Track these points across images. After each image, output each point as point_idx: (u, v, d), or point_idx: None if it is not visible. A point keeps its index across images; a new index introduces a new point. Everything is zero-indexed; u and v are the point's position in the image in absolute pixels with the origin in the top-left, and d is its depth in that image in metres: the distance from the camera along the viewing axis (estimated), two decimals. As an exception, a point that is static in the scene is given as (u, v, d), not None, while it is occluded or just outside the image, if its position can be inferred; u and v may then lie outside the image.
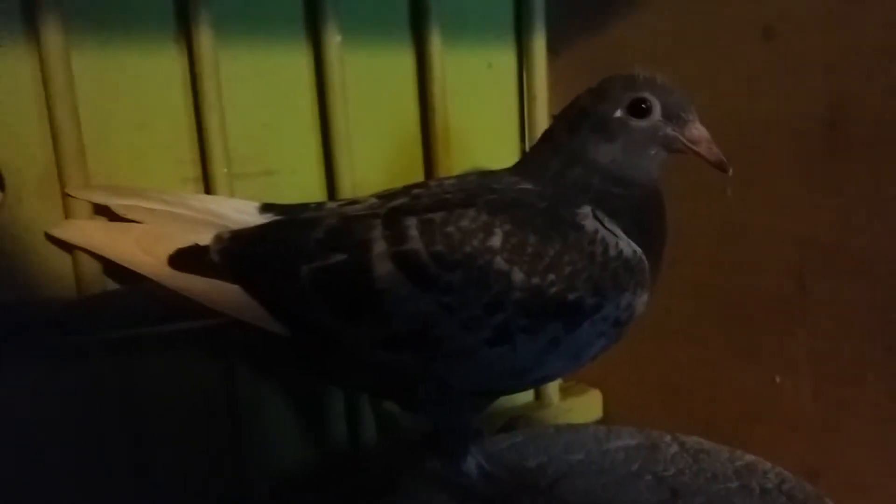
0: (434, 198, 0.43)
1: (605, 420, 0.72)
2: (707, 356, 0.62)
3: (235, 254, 0.42)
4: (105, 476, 0.51)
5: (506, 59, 0.68)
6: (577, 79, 0.66)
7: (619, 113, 0.43)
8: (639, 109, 0.43)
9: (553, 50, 0.68)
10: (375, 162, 0.61)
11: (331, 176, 0.58)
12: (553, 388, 0.72)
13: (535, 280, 0.40)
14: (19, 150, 0.47)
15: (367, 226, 0.41)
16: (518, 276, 0.40)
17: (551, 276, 0.40)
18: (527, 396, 0.72)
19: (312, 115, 0.57)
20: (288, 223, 0.45)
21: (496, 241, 0.40)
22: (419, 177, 0.64)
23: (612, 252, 0.41)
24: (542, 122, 0.67)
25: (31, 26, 0.46)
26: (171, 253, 0.42)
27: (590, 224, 0.42)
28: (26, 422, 0.49)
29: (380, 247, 0.40)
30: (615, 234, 0.42)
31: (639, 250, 0.43)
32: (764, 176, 0.55)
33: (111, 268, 0.48)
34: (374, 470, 0.60)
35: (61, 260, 0.48)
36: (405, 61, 0.62)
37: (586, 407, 0.73)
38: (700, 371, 0.63)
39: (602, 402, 0.73)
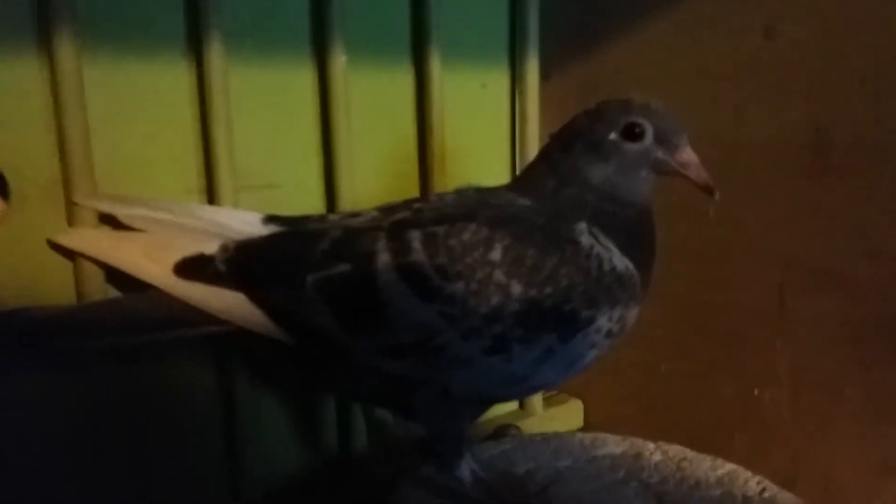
0: (436, 212, 0.43)
1: (586, 430, 0.71)
2: (688, 368, 0.62)
3: (241, 263, 0.41)
4: (102, 482, 0.49)
5: (500, 80, 0.68)
6: (568, 101, 0.67)
7: (613, 135, 0.43)
8: (632, 133, 0.43)
9: (545, 73, 0.68)
10: (374, 177, 0.60)
11: (331, 190, 0.57)
12: (536, 397, 0.71)
13: (533, 292, 0.40)
14: (26, 158, 0.46)
15: (371, 238, 0.41)
16: (516, 288, 0.39)
17: (548, 289, 0.40)
18: (511, 405, 0.72)
19: (316, 132, 0.57)
20: (294, 234, 0.44)
21: (496, 254, 0.40)
22: (415, 192, 0.63)
23: (606, 267, 0.41)
24: (533, 141, 0.67)
25: (43, 37, 0.45)
26: (176, 261, 0.41)
27: (585, 240, 0.41)
28: (25, 428, 0.47)
29: (384, 258, 0.40)
30: (609, 250, 0.42)
31: (631, 265, 0.42)
32: (747, 196, 0.55)
33: (113, 276, 0.47)
34: (366, 476, 0.59)
35: (63, 267, 0.47)
36: (405, 81, 0.61)
37: (568, 416, 0.72)
38: (681, 382, 0.63)
39: (583, 412, 0.73)
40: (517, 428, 0.66)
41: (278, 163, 0.55)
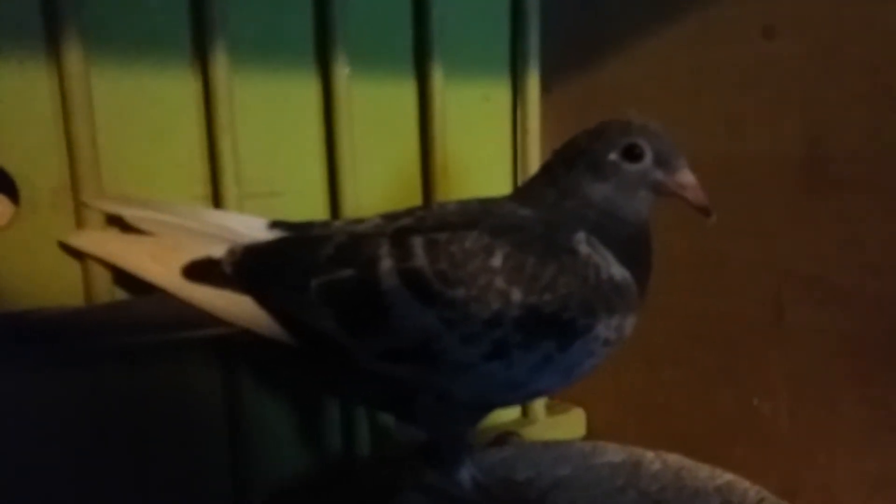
0: (438, 219, 0.44)
1: (588, 437, 0.72)
2: (687, 378, 0.63)
3: (248, 267, 0.43)
4: (105, 481, 0.50)
5: (501, 93, 0.69)
6: (569, 114, 0.69)
7: (613, 156, 0.44)
8: (632, 154, 0.43)
9: (546, 86, 0.69)
10: (377, 186, 0.61)
11: (335, 199, 0.58)
12: (539, 405, 0.72)
13: (532, 299, 0.40)
14: (35, 163, 0.47)
15: (374, 243, 0.42)
16: (516, 295, 0.40)
17: (547, 297, 0.40)
18: (514, 413, 0.72)
19: (320, 141, 0.58)
20: (299, 239, 0.45)
21: (496, 261, 0.41)
22: (418, 201, 0.64)
23: (604, 275, 0.42)
24: (534, 153, 0.69)
25: (52, 44, 0.46)
26: (184, 264, 0.43)
27: (584, 249, 0.42)
28: (30, 427, 0.48)
29: (386, 263, 0.41)
30: (606, 260, 0.43)
31: (628, 275, 0.43)
32: (745, 210, 0.56)
33: (121, 278, 0.48)
34: (369, 481, 0.60)
35: (72, 269, 0.48)
36: (408, 92, 0.63)
37: (570, 424, 0.73)
38: (680, 392, 0.63)
39: (585, 420, 0.74)
40: (518, 435, 0.66)
41: (282, 171, 0.57)
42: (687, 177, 0.44)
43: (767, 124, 0.55)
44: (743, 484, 0.51)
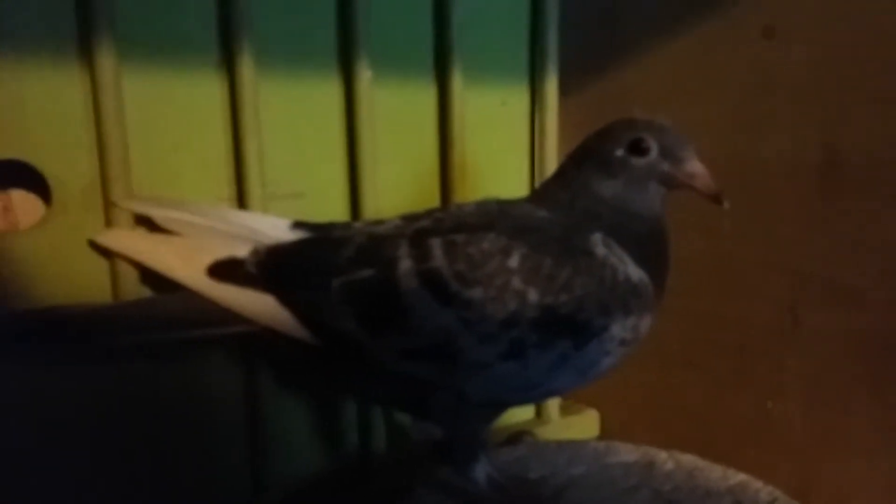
0: (456, 221, 0.45)
1: (602, 439, 0.72)
2: (701, 380, 0.63)
3: (272, 266, 0.44)
4: (127, 476, 0.52)
5: (520, 98, 0.70)
6: (586, 118, 0.69)
7: (619, 152, 0.45)
8: (638, 148, 0.44)
9: (564, 91, 0.70)
10: (397, 189, 0.62)
11: (355, 200, 0.59)
12: (553, 405, 0.72)
13: (549, 300, 0.41)
14: (67, 164, 0.49)
15: (394, 244, 0.43)
16: (532, 295, 0.41)
17: (563, 297, 0.41)
18: (528, 413, 0.73)
19: (341, 144, 0.59)
20: (321, 240, 0.46)
21: (514, 262, 0.41)
22: (436, 203, 0.65)
23: (620, 276, 0.43)
24: (551, 157, 0.69)
25: (84, 47, 0.48)
26: (209, 264, 0.44)
27: (600, 250, 0.43)
28: (51, 422, 0.49)
29: (406, 264, 0.42)
30: (623, 261, 0.43)
31: (645, 276, 0.44)
32: (760, 213, 0.56)
33: (148, 276, 0.49)
34: (385, 478, 0.61)
35: (100, 268, 0.50)
36: (428, 97, 0.64)
37: (584, 425, 0.73)
38: (694, 395, 0.64)
39: (599, 421, 0.74)
40: (532, 435, 0.67)
41: (305, 173, 0.58)
42: (695, 166, 0.44)
43: (782, 128, 0.55)
44: (755, 484, 0.52)
